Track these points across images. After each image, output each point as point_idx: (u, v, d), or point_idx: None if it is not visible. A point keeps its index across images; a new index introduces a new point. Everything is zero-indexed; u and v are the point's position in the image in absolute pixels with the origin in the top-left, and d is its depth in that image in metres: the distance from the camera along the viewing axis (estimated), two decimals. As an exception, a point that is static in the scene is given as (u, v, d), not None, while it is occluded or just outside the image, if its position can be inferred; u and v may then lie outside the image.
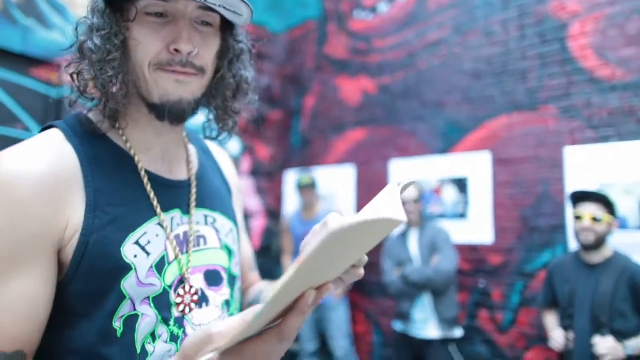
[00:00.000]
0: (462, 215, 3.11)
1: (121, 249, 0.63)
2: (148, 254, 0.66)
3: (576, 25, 2.78)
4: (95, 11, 0.65)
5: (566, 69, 2.79)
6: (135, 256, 0.64)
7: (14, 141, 0.63)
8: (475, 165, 3.09)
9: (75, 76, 0.65)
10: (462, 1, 3.27)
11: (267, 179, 4.32)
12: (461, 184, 3.15)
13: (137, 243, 0.65)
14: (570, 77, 2.78)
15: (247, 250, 0.97)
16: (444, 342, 2.72)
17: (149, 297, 0.65)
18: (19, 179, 0.57)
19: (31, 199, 0.57)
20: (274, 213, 4.31)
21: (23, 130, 2.49)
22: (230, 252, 0.81)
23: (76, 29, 0.67)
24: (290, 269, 0.40)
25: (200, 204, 0.77)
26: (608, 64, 2.67)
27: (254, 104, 0.82)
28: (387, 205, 0.47)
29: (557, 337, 2.15)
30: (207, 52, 0.69)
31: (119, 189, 0.66)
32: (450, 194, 3.21)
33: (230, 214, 0.85)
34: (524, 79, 2.95)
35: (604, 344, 1.95)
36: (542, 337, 2.69)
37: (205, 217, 0.78)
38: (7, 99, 2.46)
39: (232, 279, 0.80)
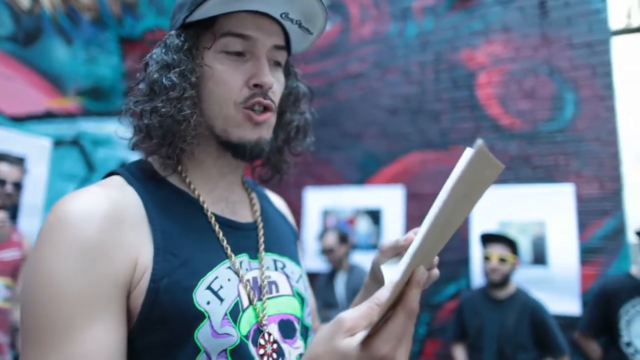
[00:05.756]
0: (375, 247, 3.15)
1: (193, 295, 0.58)
2: (221, 300, 0.61)
3: (483, 75, 3.05)
4: (170, 47, 0.63)
5: (474, 114, 3.03)
6: (208, 303, 0.59)
7: None
8: (389, 198, 3.18)
9: (146, 114, 0.62)
10: (383, 38, 3.41)
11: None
12: (375, 216, 3.21)
13: (209, 288, 0.60)
14: (477, 122, 3.02)
15: (312, 301, 0.91)
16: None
17: (225, 350, 0.58)
18: (84, 219, 0.55)
19: (98, 237, 0.55)
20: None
21: None
22: (302, 300, 0.75)
23: (145, 64, 0.65)
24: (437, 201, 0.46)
25: (268, 248, 0.74)
26: (508, 113, 2.96)
27: (311, 146, 0.81)
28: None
29: (467, 370, 2.25)
30: (278, 90, 0.69)
31: (187, 231, 0.63)
32: (363, 225, 3.25)
33: (297, 259, 0.80)
34: (437, 119, 3.14)
35: (509, 377, 2.08)
36: (445, 368, 2.81)
37: (275, 261, 0.74)
38: None
39: (304, 330, 0.73)
